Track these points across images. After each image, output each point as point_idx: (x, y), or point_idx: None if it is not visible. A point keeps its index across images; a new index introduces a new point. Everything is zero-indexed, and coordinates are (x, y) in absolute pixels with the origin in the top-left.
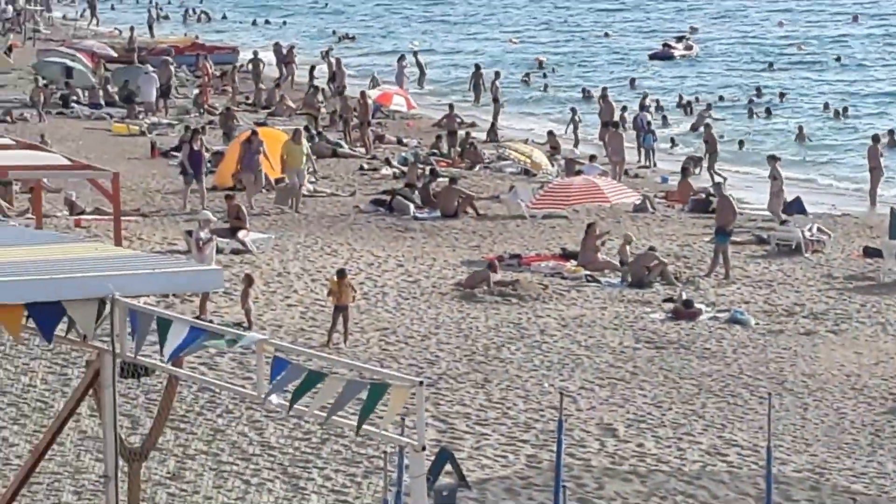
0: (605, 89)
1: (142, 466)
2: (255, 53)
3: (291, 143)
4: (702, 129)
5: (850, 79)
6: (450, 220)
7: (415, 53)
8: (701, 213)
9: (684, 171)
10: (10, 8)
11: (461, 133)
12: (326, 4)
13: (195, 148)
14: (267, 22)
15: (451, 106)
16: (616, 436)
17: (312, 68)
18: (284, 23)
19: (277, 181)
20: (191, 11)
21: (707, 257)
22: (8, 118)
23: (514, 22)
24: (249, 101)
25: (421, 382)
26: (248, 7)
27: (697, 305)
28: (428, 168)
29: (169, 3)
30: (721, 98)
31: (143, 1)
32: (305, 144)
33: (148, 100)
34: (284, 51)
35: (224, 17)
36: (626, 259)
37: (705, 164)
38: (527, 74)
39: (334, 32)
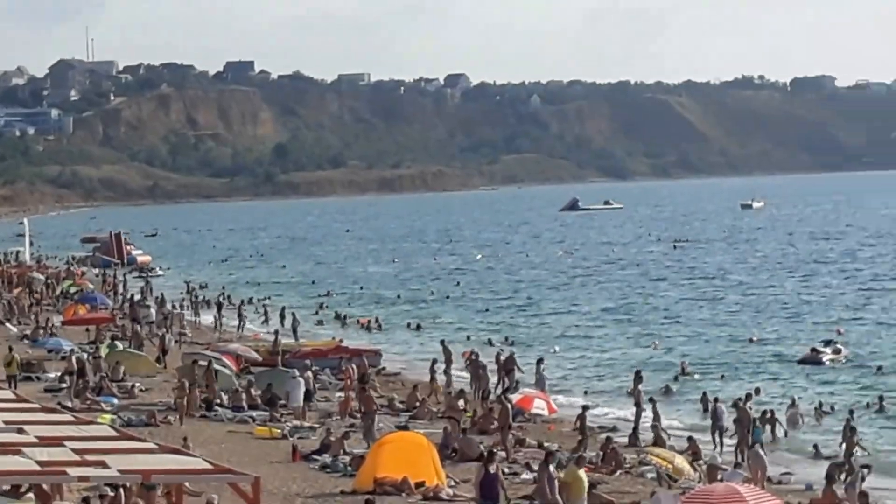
0: (744, 397)
1: None
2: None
3: (575, 469)
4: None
5: None
6: None
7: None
8: None
9: (829, 479)
10: (152, 312)
11: (601, 437)
12: (487, 309)
13: (490, 471)
14: (419, 327)
15: (584, 408)
16: None
17: (433, 363)
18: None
19: (418, 485)
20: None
21: None
22: (152, 421)
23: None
24: (389, 405)
25: None
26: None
27: None
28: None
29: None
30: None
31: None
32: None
33: (295, 404)
34: (503, 358)
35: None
36: None
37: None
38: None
39: (490, 342)
